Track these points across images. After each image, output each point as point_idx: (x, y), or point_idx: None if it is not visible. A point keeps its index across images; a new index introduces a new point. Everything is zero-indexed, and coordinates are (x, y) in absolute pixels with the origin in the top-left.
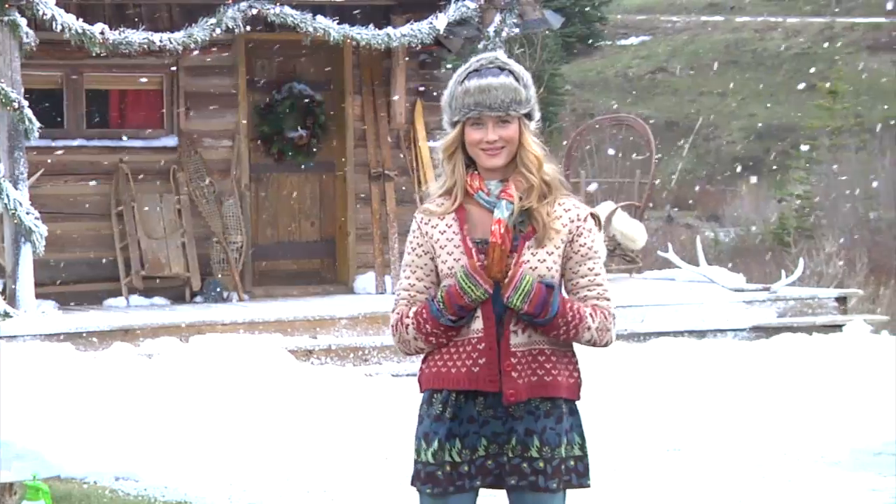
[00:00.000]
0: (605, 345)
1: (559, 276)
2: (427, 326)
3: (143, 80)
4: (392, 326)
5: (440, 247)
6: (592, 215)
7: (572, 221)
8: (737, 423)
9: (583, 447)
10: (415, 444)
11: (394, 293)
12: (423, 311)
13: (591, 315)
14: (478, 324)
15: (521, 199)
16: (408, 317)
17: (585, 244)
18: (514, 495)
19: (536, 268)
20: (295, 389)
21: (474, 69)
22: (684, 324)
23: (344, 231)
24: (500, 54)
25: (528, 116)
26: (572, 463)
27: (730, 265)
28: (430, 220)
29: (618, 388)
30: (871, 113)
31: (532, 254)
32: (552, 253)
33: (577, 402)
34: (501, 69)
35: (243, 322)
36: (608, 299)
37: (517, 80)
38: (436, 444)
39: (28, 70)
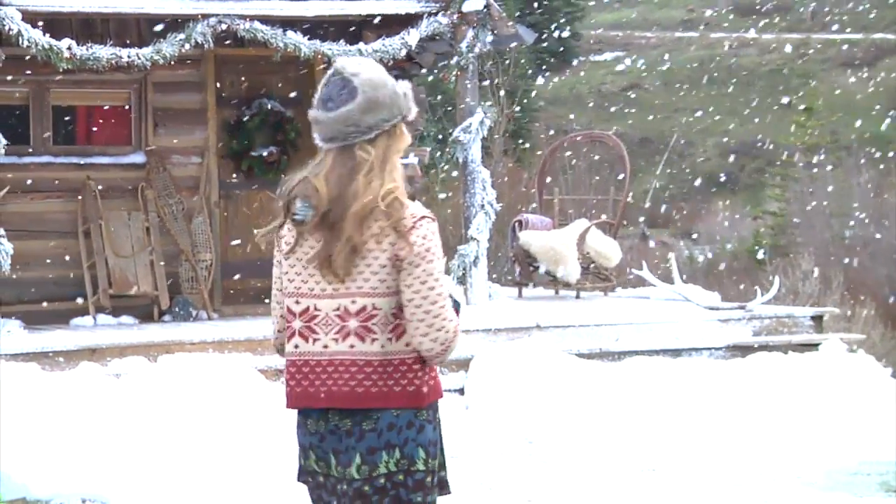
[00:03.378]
0: None
1: None
2: None
3: (111, 96)
4: (455, 332)
5: None
6: None
7: None
8: (712, 442)
9: None
10: (441, 457)
11: (437, 297)
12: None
13: None
14: None
15: None
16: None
17: None
18: None
19: None
20: (265, 409)
21: (324, 83)
22: (659, 343)
23: None
24: (349, 62)
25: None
26: None
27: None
28: None
29: (592, 408)
30: (846, 130)
31: None
32: None
33: None
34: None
35: (212, 341)
36: None
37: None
38: None
39: None
